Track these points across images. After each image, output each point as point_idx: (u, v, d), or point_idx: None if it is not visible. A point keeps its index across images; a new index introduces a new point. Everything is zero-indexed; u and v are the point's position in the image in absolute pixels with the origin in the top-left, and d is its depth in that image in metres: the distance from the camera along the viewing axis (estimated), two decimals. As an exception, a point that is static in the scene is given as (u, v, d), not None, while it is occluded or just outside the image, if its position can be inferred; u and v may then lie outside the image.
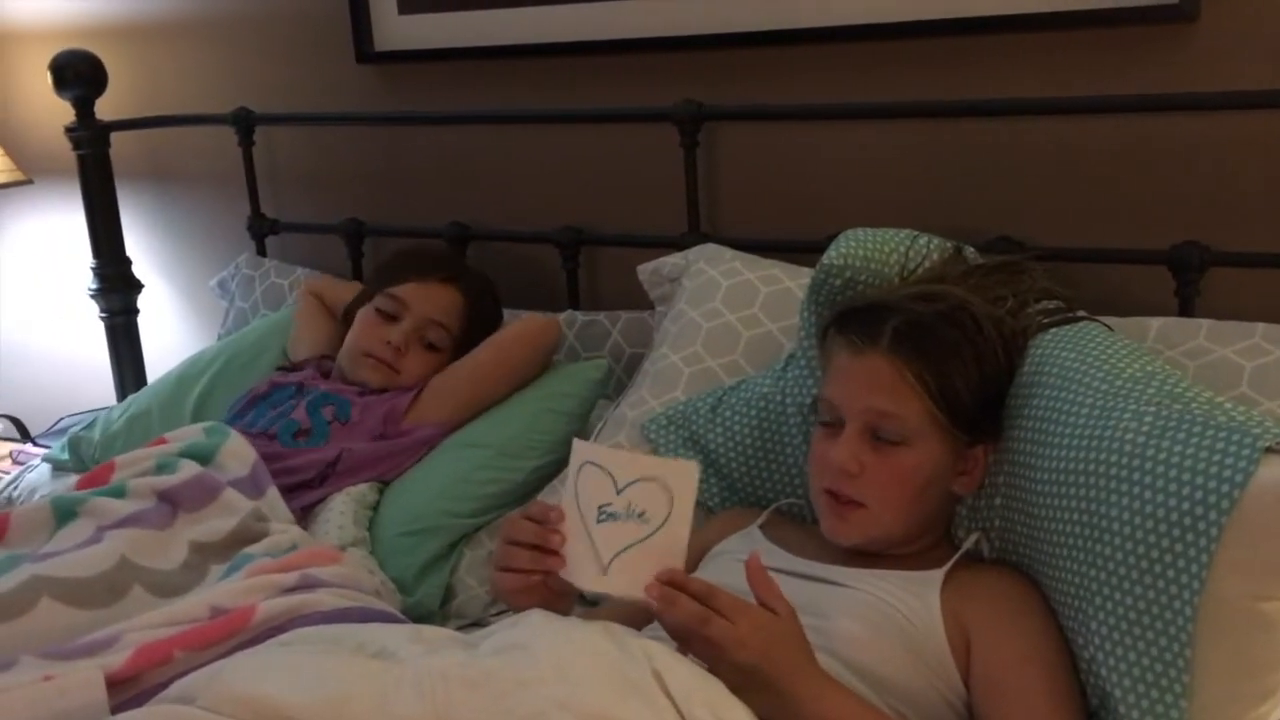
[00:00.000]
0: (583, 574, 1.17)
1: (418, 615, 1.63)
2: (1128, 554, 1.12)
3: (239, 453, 1.70)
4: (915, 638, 1.21)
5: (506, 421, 1.85)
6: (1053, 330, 1.36)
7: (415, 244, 2.14)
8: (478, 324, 1.96)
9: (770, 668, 1.10)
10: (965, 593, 1.25)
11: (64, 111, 2.44)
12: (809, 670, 1.13)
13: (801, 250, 1.88)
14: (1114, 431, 1.16)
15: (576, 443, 1.19)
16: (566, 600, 1.26)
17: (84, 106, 2.41)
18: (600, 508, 1.15)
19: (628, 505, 1.14)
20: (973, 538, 1.34)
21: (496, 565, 1.23)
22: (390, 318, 1.93)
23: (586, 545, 1.16)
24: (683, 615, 1.11)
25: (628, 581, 1.14)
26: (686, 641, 1.12)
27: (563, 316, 2.06)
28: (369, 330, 1.93)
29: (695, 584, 1.13)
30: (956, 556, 1.29)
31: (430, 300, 1.94)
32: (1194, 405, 1.16)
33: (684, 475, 1.14)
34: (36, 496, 2.02)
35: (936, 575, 1.26)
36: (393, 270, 2.00)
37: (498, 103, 2.25)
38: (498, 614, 1.67)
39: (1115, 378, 1.23)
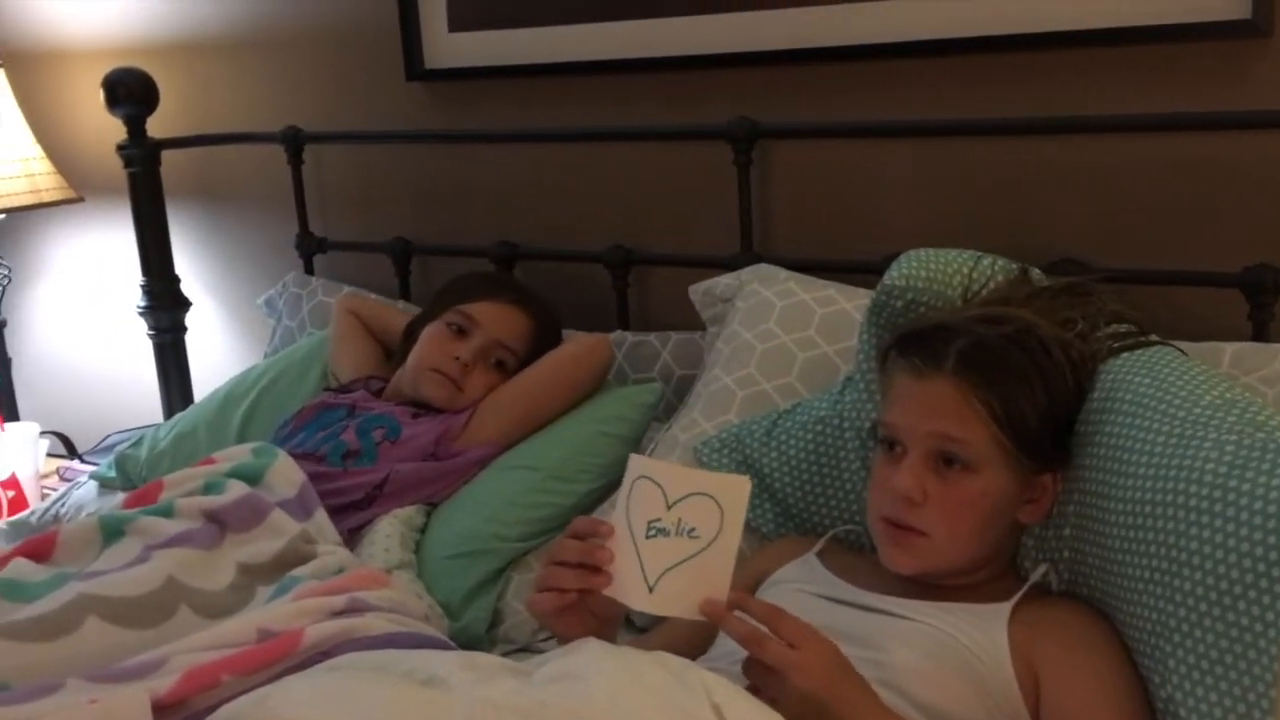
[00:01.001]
0: (630, 592, 1.13)
1: (464, 640, 1.61)
2: (1208, 589, 1.07)
3: (287, 474, 1.69)
4: (982, 674, 1.17)
5: (558, 444, 1.82)
6: (1124, 355, 1.32)
7: (477, 267, 2.15)
8: (541, 350, 1.94)
9: (832, 698, 1.06)
10: (1034, 628, 1.21)
11: (115, 129, 2.45)
12: (874, 705, 1.10)
13: (858, 271, 1.85)
14: (1194, 461, 1.12)
15: (633, 457, 1.16)
16: (611, 627, 1.23)
17: (135, 124, 2.41)
18: (650, 523, 1.12)
19: (678, 521, 1.11)
20: (1041, 569, 1.30)
21: (538, 586, 1.20)
22: (460, 332, 1.92)
23: (634, 562, 1.13)
24: (736, 634, 1.08)
25: (675, 600, 1.11)
26: (746, 669, 1.09)
27: (612, 337, 2.04)
28: (437, 345, 1.92)
29: (759, 606, 1.10)
30: (1024, 589, 1.25)
31: (501, 321, 1.93)
32: (1278, 434, 1.11)
33: (736, 491, 1.11)
34: (83, 514, 2.02)
35: (1004, 609, 1.22)
36: (462, 289, 1.99)
37: (548, 121, 2.24)
38: (545, 639, 1.64)
39: (1194, 405, 1.18)
